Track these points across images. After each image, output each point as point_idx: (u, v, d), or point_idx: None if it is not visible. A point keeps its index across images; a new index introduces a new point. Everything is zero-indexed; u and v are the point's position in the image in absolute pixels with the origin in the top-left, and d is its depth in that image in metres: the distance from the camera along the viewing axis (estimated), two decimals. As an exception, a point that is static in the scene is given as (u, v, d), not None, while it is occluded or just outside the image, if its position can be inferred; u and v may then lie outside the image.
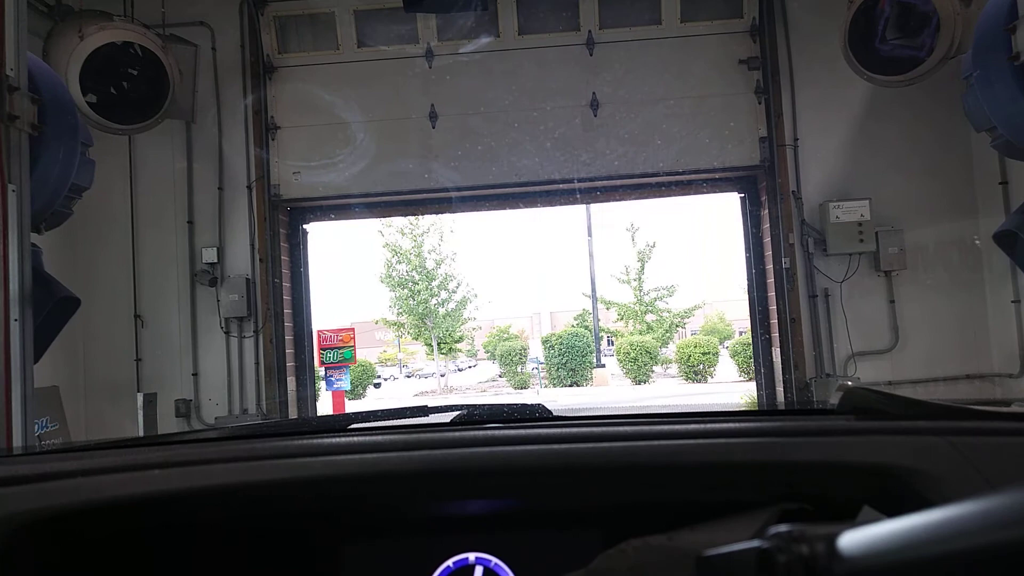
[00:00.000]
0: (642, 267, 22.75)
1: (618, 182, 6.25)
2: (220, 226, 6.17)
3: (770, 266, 6.10)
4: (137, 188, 6.18)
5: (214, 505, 0.91)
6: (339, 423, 1.22)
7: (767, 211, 6.09)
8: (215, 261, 6.10)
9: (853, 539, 0.43)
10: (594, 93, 6.06)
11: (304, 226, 6.65)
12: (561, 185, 6.18)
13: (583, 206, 21.41)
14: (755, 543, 0.50)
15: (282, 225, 6.36)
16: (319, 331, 10.53)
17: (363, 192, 6.16)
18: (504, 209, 6.88)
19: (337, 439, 1.01)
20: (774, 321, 6.11)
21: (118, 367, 6.08)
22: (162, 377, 6.11)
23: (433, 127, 6.14)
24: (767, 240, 6.16)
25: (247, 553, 0.97)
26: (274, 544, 0.97)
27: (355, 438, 1.02)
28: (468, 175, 6.11)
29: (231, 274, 6.11)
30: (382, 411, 1.34)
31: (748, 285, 6.45)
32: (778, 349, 5.98)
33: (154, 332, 6.14)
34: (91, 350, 6.12)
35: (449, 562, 0.95)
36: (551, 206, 6.65)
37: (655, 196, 6.67)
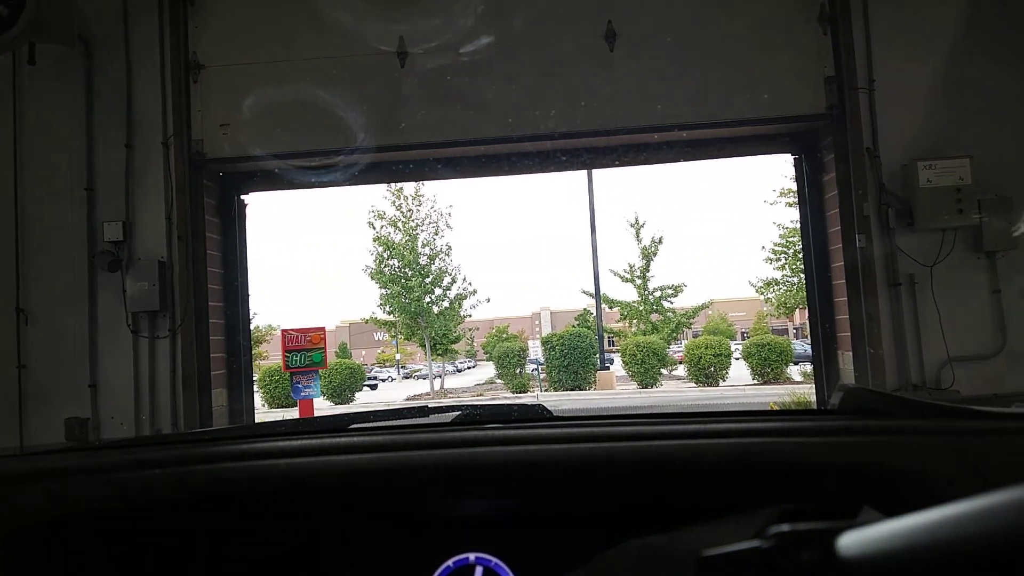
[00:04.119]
0: (647, 264, 21.46)
1: (636, 139, 4.87)
2: (127, 194, 4.79)
3: (836, 246, 4.71)
4: (21, 145, 4.81)
5: (213, 505, 0.91)
6: (339, 423, 1.17)
7: (833, 175, 4.71)
8: (120, 239, 4.73)
9: (853, 539, 0.43)
10: (610, 22, 4.67)
11: (241, 196, 5.28)
12: (566, 141, 4.80)
13: (586, 198, 20.06)
14: (755, 543, 0.49)
15: (209, 194, 4.97)
16: (284, 331, 9.11)
17: (308, 150, 4.78)
18: (490, 176, 5.50)
19: (337, 439, 1.01)
20: (841, 317, 4.73)
21: (-5, 376, 4.72)
22: (52, 388, 4.73)
23: (402, 66, 4.76)
24: (832, 213, 4.77)
25: (246, 553, 0.95)
26: (273, 544, 0.95)
27: (355, 438, 1.02)
28: (444, 128, 4.73)
29: (141, 256, 4.75)
30: (382, 411, 1.31)
31: (806, 271, 5.06)
32: (849, 353, 4.59)
33: (42, 331, 4.76)
34: (-40, 354, 4.76)
35: (449, 562, 0.93)
36: (552, 171, 5.26)
37: (682, 159, 5.28)
